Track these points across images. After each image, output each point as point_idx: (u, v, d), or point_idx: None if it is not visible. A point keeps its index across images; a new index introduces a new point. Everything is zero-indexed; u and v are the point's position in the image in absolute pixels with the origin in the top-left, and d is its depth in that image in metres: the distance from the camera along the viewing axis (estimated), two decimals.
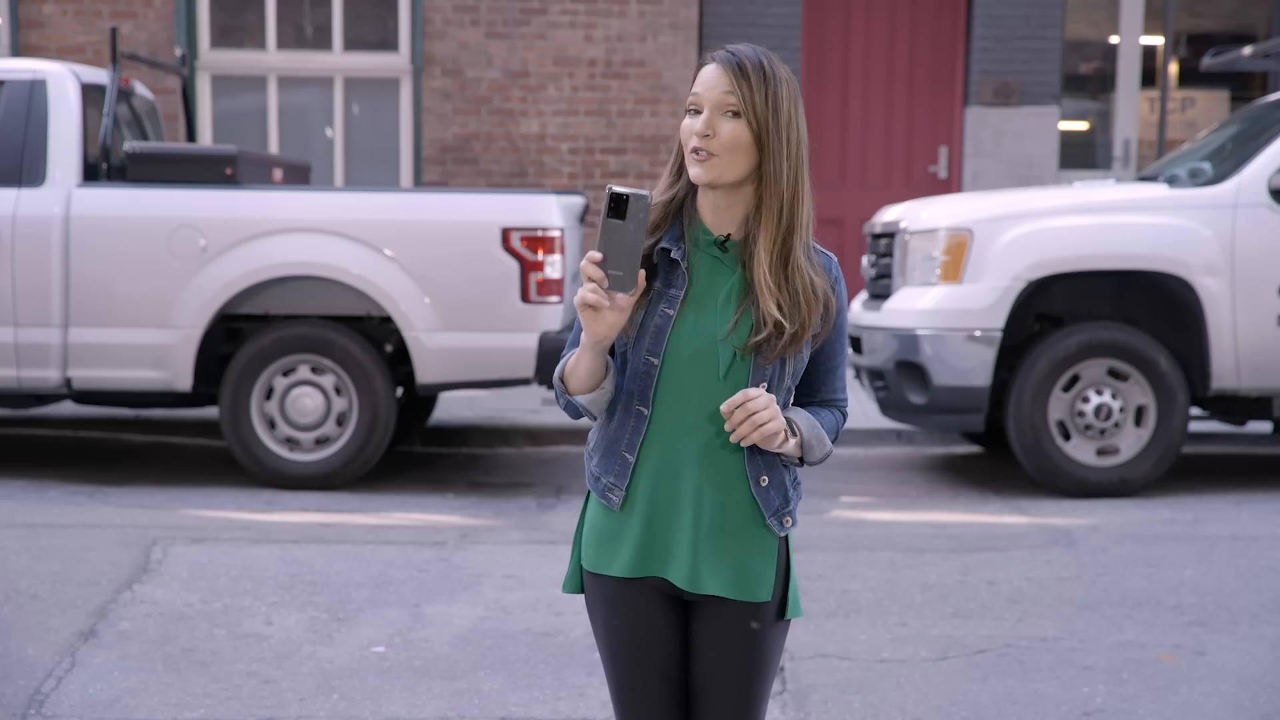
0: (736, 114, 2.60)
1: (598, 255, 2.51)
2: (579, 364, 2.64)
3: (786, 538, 2.75)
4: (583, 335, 2.60)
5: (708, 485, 2.66)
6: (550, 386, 8.13)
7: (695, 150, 2.61)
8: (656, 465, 2.67)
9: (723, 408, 2.56)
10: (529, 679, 5.03)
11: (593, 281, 2.51)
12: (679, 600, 2.74)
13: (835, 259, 2.76)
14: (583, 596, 2.85)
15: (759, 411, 2.55)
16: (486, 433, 9.72)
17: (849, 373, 10.82)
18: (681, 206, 2.70)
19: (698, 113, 2.63)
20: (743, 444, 2.59)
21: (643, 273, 2.53)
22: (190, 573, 6.22)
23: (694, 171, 2.63)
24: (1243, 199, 8.00)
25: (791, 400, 2.75)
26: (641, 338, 2.64)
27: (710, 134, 2.59)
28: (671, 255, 2.66)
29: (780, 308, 2.61)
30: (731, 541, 2.67)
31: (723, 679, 2.74)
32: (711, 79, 2.62)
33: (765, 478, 2.68)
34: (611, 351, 2.70)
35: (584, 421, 2.77)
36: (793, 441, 2.66)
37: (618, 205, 2.50)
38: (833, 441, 2.76)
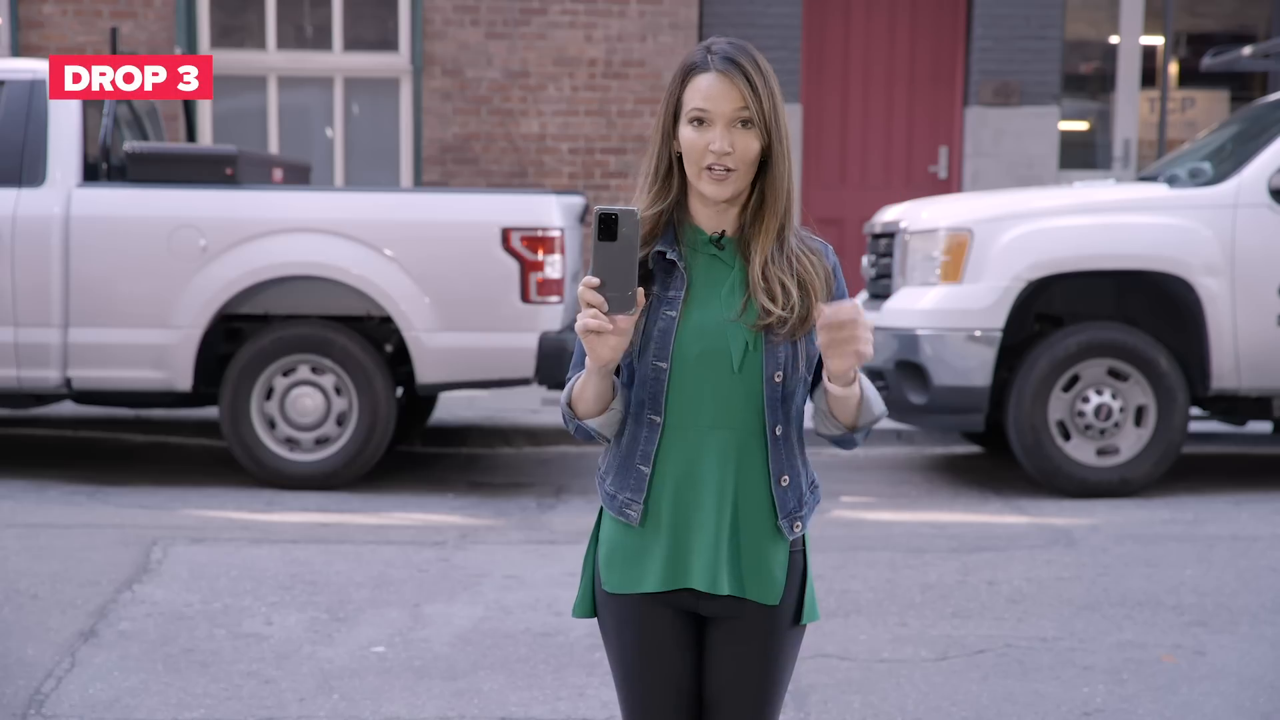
0: (748, 124, 2.58)
1: (594, 280, 2.46)
2: (585, 388, 2.60)
3: (804, 539, 2.73)
4: (587, 360, 2.55)
5: (729, 484, 2.62)
6: (550, 386, 8.13)
7: (711, 168, 2.58)
8: (677, 473, 2.63)
9: (832, 312, 2.46)
10: (529, 679, 5.03)
11: (592, 307, 2.47)
12: (694, 615, 2.72)
13: (831, 247, 2.74)
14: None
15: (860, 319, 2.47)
16: (486, 433, 9.72)
17: None
18: (672, 211, 2.67)
19: (700, 123, 2.58)
20: (851, 357, 2.47)
21: (640, 290, 2.50)
22: (190, 573, 6.22)
23: (711, 189, 2.59)
24: (1243, 199, 8.00)
25: (798, 386, 2.68)
26: (646, 345, 2.61)
27: (729, 150, 2.56)
28: (667, 257, 2.63)
29: (784, 295, 2.59)
30: (751, 541, 2.64)
31: (739, 691, 2.71)
32: (719, 91, 2.57)
33: (786, 477, 2.65)
34: (617, 371, 2.66)
35: None
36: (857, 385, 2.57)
37: (607, 225, 2.46)
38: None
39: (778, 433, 2.63)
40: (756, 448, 2.63)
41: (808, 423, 2.69)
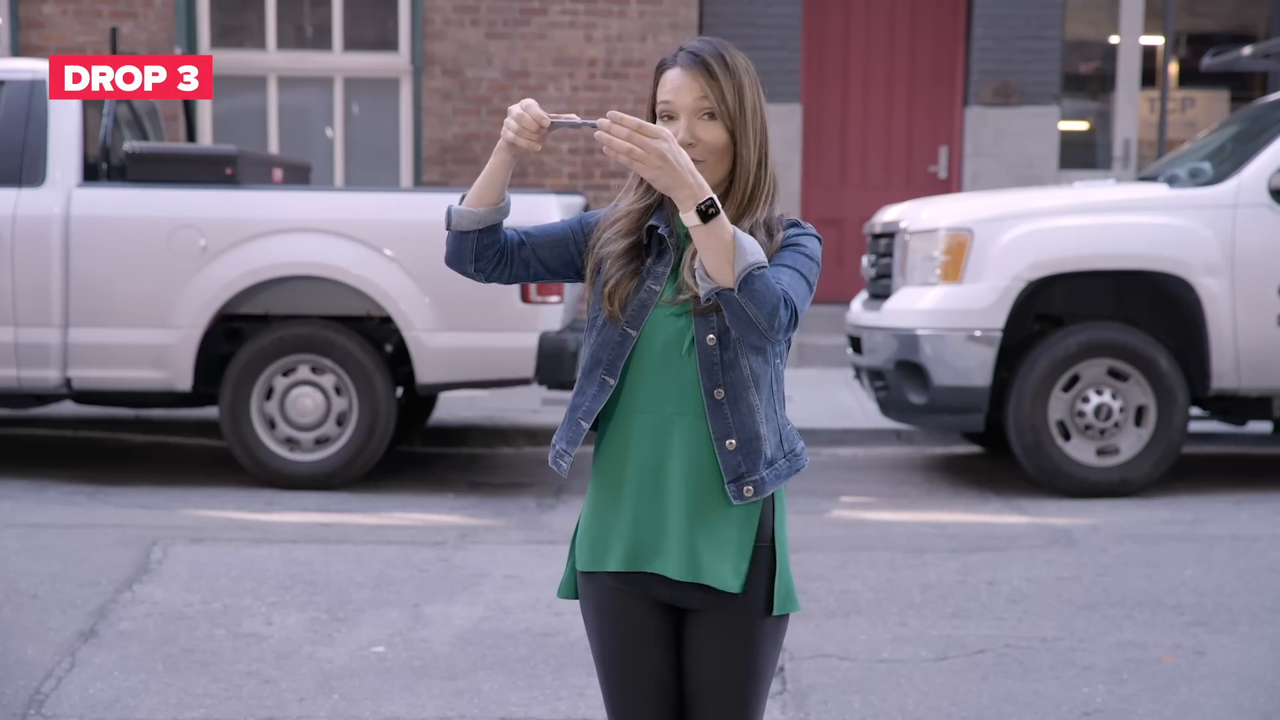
0: (711, 115, 2.64)
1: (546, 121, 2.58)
2: (496, 172, 2.63)
3: (773, 531, 2.73)
4: (505, 143, 2.60)
5: (686, 469, 2.66)
6: (550, 386, 8.12)
7: None
8: (641, 458, 2.68)
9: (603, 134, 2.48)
10: (529, 679, 5.03)
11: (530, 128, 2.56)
12: (671, 608, 2.75)
13: (804, 225, 2.72)
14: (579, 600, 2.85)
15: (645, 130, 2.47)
16: (486, 433, 9.73)
17: (848, 372, 10.82)
18: (661, 200, 2.72)
19: (669, 118, 2.66)
20: (609, 146, 2.47)
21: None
22: (190, 573, 6.22)
23: None
24: (1243, 199, 7.99)
25: (744, 351, 2.66)
26: (623, 306, 2.68)
27: (693, 142, 2.63)
28: (659, 232, 2.70)
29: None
30: (707, 523, 2.67)
31: (717, 685, 2.73)
32: (681, 84, 2.65)
33: (733, 440, 2.66)
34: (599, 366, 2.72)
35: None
36: (703, 220, 2.46)
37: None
38: (773, 309, 2.50)
39: (716, 396, 2.65)
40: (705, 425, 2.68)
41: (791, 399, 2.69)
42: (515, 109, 2.58)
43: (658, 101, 2.68)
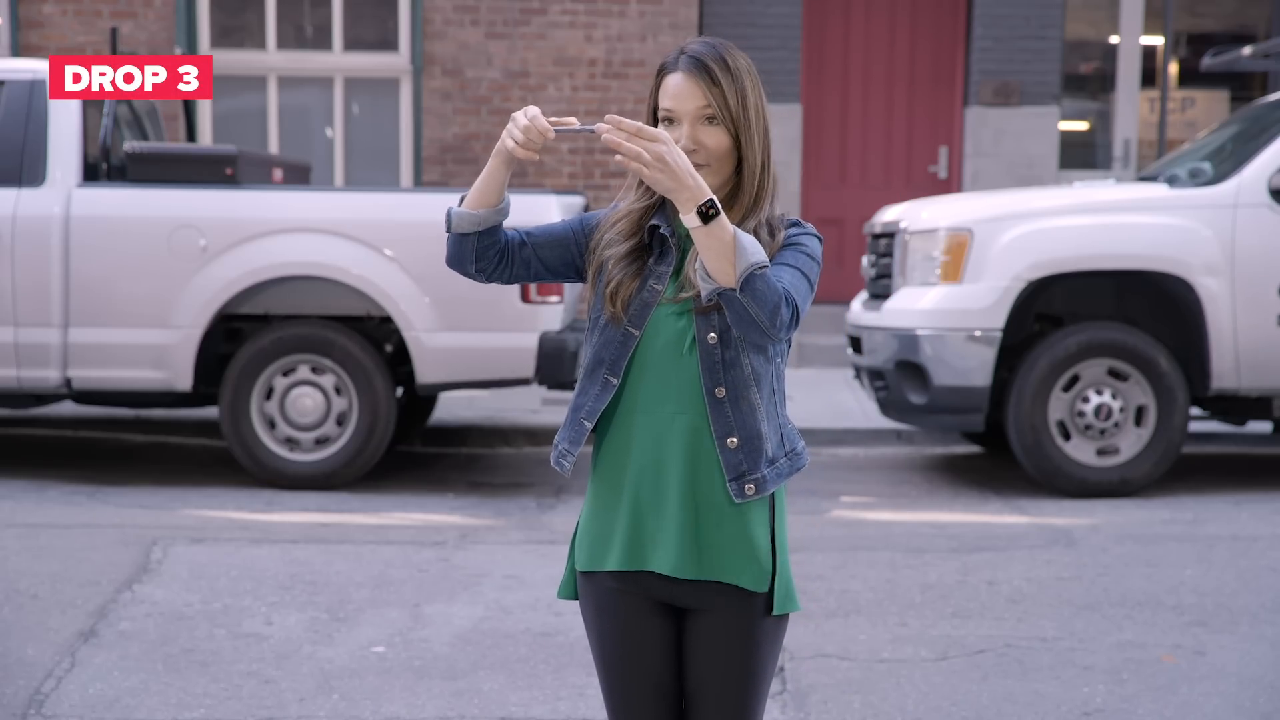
0: (713, 120, 2.64)
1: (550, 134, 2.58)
2: (494, 175, 2.63)
3: (774, 530, 2.73)
4: (504, 147, 2.59)
5: (688, 468, 2.66)
6: (550, 386, 8.12)
7: None
8: (642, 458, 2.68)
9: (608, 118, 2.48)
10: (529, 679, 5.03)
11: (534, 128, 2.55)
12: (671, 607, 2.75)
13: (805, 225, 2.73)
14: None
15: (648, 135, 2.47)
16: (486, 433, 9.72)
17: (848, 372, 10.82)
18: (661, 202, 2.72)
19: (670, 122, 2.66)
20: (618, 149, 2.47)
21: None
22: (190, 573, 6.22)
23: None
24: (1243, 199, 8.00)
25: (745, 350, 2.67)
26: (625, 306, 2.68)
27: (696, 148, 2.63)
28: (661, 231, 2.70)
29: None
30: (712, 521, 2.67)
31: (717, 685, 2.73)
32: (683, 90, 2.64)
33: (734, 439, 2.66)
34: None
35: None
36: (705, 221, 2.47)
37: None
38: (775, 308, 2.52)
39: (718, 395, 2.65)
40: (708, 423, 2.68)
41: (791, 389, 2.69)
42: (521, 119, 2.56)
43: (660, 108, 2.68)
